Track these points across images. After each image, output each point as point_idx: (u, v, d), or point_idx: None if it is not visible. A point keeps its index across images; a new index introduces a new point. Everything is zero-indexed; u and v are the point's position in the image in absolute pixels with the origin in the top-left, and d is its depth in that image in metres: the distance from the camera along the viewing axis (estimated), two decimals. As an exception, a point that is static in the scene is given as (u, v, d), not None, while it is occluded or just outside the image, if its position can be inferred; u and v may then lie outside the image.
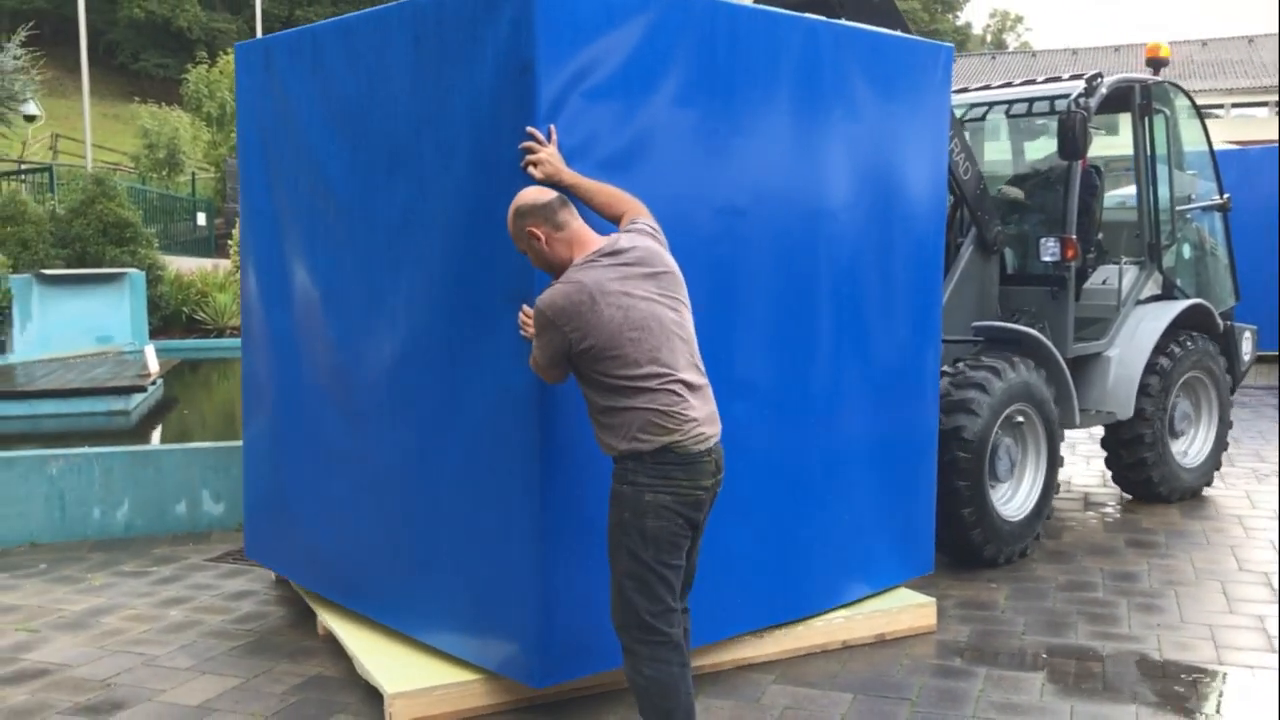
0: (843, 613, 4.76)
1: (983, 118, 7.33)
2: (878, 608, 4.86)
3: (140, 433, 9.37)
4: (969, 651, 4.71)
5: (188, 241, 22.20)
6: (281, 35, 4.89)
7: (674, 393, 3.26)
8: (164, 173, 26.33)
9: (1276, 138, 22.43)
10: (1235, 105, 36.85)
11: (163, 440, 9.07)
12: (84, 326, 12.89)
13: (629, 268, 3.31)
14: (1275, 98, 36.55)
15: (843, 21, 4.81)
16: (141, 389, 9.96)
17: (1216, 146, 8.03)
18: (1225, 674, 4.45)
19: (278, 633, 4.95)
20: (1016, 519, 5.89)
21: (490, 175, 3.77)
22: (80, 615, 5.22)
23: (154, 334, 13.95)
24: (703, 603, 4.06)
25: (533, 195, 3.44)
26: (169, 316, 15.10)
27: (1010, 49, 62.46)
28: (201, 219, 23.25)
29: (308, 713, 4.08)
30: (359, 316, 4.45)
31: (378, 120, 4.26)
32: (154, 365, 10.80)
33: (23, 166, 22.84)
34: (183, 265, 16.91)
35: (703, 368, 3.43)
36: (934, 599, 5.04)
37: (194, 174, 26.48)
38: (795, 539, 4.54)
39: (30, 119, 20.81)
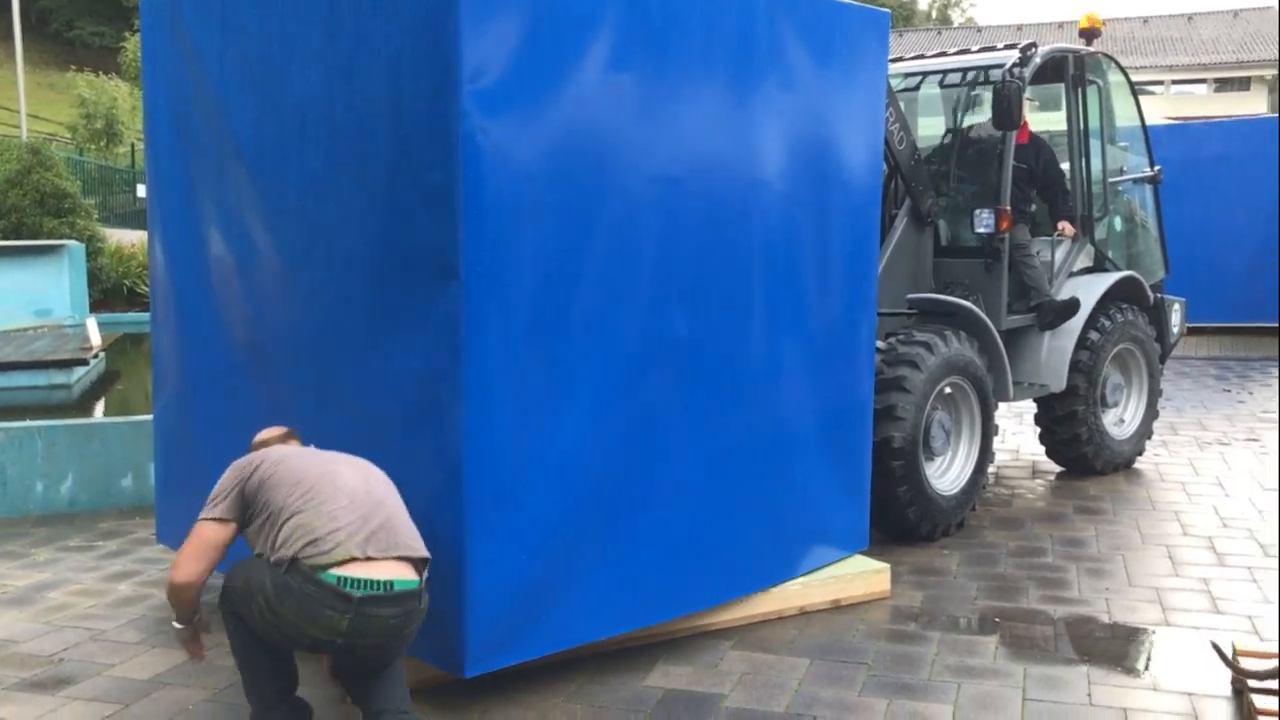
0: (799, 579, 4.78)
1: (917, 88, 7.32)
2: (833, 574, 4.89)
3: (83, 406, 9.21)
4: (923, 616, 4.76)
5: (128, 214, 21.80)
6: None
7: None
8: (102, 143, 25.82)
9: (1233, 112, 22.82)
10: (1175, 82, 37.41)
11: (106, 414, 8.91)
12: (22, 299, 12.62)
13: None
14: (1212, 76, 37.12)
15: None
16: (83, 362, 9.77)
17: (1157, 122, 8.12)
18: (1171, 635, 4.54)
19: (229, 606, 4.88)
20: (952, 493, 5.89)
21: (409, 139, 3.63)
22: (25, 590, 5.12)
23: (95, 307, 13.71)
24: (638, 578, 4.12)
25: None
26: (110, 289, 14.85)
27: (955, 24, 62.89)
28: (142, 191, 22.81)
29: (262, 685, 4.03)
30: (277, 290, 4.24)
31: (291, 81, 4.05)
32: (96, 338, 10.61)
33: (-46, 136, 22.25)
34: (123, 238, 16.61)
35: None
36: (888, 565, 5.08)
37: (133, 145, 25.94)
38: (729, 514, 4.44)
39: (-39, 87, 20.29)
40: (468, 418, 3.59)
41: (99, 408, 9.37)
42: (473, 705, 3.85)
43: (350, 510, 3.26)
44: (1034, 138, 6.88)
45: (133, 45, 26.68)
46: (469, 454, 3.60)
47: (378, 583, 3.18)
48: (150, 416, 5.41)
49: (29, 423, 6.56)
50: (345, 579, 3.15)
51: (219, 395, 4.65)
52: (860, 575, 4.94)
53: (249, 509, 3.36)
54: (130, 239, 16.66)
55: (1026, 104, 6.83)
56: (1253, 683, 3.74)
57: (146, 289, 14.72)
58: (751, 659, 4.28)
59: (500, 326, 3.63)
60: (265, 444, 3.69)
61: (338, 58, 3.87)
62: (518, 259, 3.66)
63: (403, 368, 3.76)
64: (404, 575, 3.25)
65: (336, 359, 4.04)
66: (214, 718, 3.81)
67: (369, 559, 3.20)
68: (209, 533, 3.34)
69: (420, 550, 3.35)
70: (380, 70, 3.71)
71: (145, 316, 13.78)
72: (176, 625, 3.47)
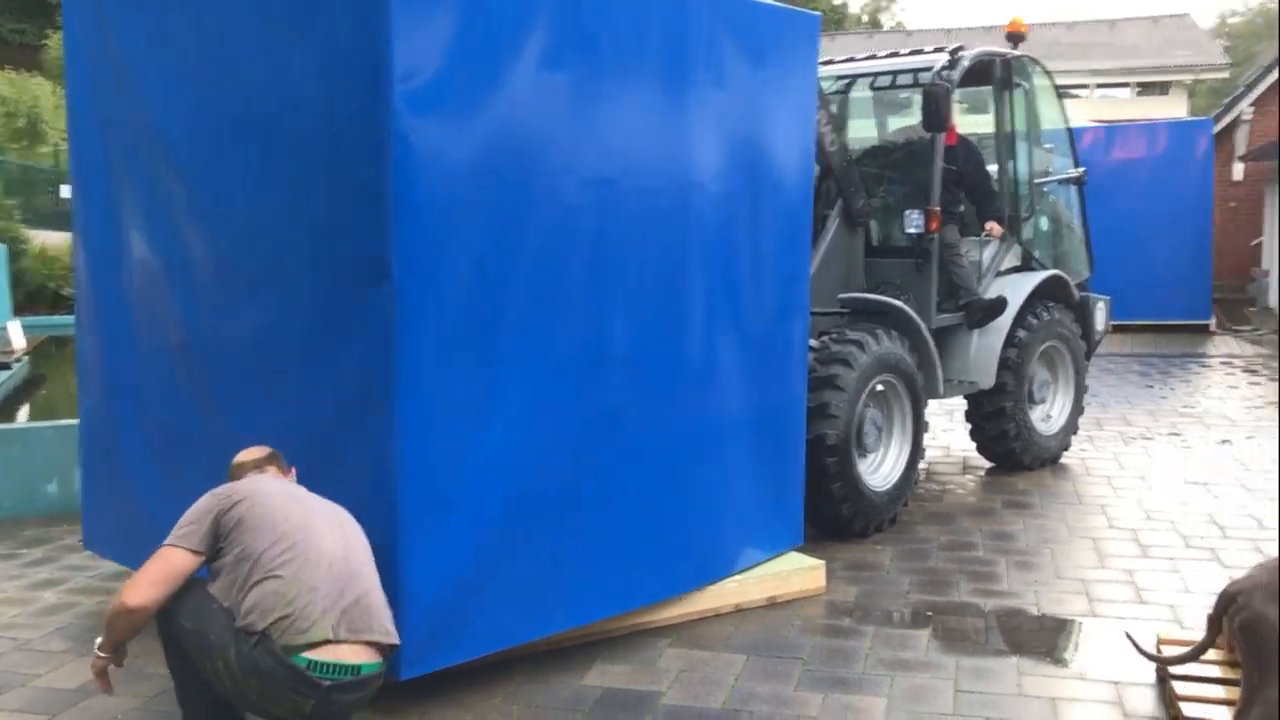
0: (735, 577, 4.82)
1: (847, 90, 7.41)
2: (769, 571, 4.93)
3: (6, 411, 9.00)
4: (857, 611, 4.82)
5: (51, 215, 21.25)
6: None
7: None
8: (24, 143, 25.16)
9: (1154, 115, 23.41)
10: (1099, 85, 38.15)
11: (30, 418, 8.73)
12: (-59, 303, 12.31)
13: None
14: (1134, 80, 37.89)
15: None
16: (5, 366, 9.57)
17: (1082, 124, 8.29)
18: (1098, 626, 4.64)
19: (160, 612, 4.79)
20: (884, 489, 5.97)
21: (343, 139, 3.60)
22: (-54, 600, 5.00)
23: (18, 310, 13.39)
24: (575, 578, 4.14)
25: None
26: (34, 292, 14.55)
27: (885, 28, 63.59)
28: (66, 191, 22.27)
29: (194, 691, 3.97)
30: (209, 291, 4.17)
31: (224, 80, 3.99)
32: (18, 342, 10.38)
33: None
34: (47, 239, 16.27)
35: None
36: (823, 561, 5.14)
37: (57, 145, 25.33)
38: (665, 513, 4.46)
39: (-125, 85, 19.72)
40: (400, 417, 3.57)
41: (23, 412, 9.18)
42: (410, 707, 3.83)
43: (328, 580, 3.16)
44: (962, 140, 6.99)
45: (55, 43, 26.02)
46: (402, 454, 3.58)
47: (346, 668, 3.12)
48: (75, 421, 5.30)
49: (-51, 429, 6.41)
50: (316, 664, 3.07)
51: (146, 398, 4.55)
52: (795, 572, 4.99)
53: (219, 543, 3.24)
54: (54, 240, 16.32)
55: (955, 106, 6.94)
56: (1171, 669, 3.84)
57: (72, 291, 14.42)
58: (688, 656, 4.31)
59: (433, 325, 3.62)
60: (243, 466, 3.59)
61: (272, 57, 3.82)
62: (450, 258, 3.64)
63: (336, 367, 3.72)
64: (370, 659, 3.19)
65: (270, 359, 3.99)
66: (144, 725, 3.76)
67: (340, 641, 3.12)
68: (180, 561, 3.21)
69: (392, 638, 3.28)
70: (314, 70, 3.67)
71: (70, 319, 13.52)
72: (99, 653, 3.28)
